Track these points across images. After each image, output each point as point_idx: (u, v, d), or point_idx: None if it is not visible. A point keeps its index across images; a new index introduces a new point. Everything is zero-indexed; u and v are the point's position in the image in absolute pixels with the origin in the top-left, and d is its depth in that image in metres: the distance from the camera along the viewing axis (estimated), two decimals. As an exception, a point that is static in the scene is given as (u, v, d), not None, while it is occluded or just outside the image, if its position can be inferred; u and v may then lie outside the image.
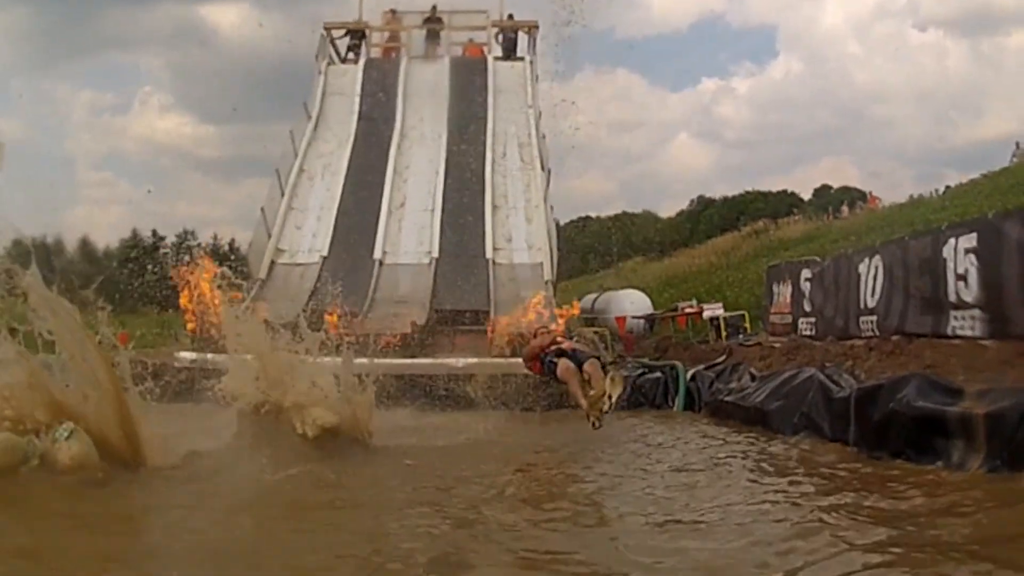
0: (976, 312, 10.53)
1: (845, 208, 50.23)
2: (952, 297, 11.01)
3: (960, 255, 10.86)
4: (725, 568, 5.20)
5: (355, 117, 25.51)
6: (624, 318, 26.31)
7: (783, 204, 65.85)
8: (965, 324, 10.75)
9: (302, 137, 24.53)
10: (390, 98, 26.15)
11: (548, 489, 8.22)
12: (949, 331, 11.05)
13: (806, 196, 71.84)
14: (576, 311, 22.29)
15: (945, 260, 11.19)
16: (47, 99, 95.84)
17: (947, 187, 47.16)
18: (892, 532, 5.72)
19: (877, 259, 13.35)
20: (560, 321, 17.88)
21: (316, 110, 25.58)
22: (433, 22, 29.18)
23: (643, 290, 32.14)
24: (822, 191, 71.37)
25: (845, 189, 67.41)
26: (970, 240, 10.73)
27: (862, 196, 57.19)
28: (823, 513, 6.38)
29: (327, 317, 17.70)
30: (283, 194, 22.68)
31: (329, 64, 27.62)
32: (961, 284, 10.84)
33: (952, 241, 11.09)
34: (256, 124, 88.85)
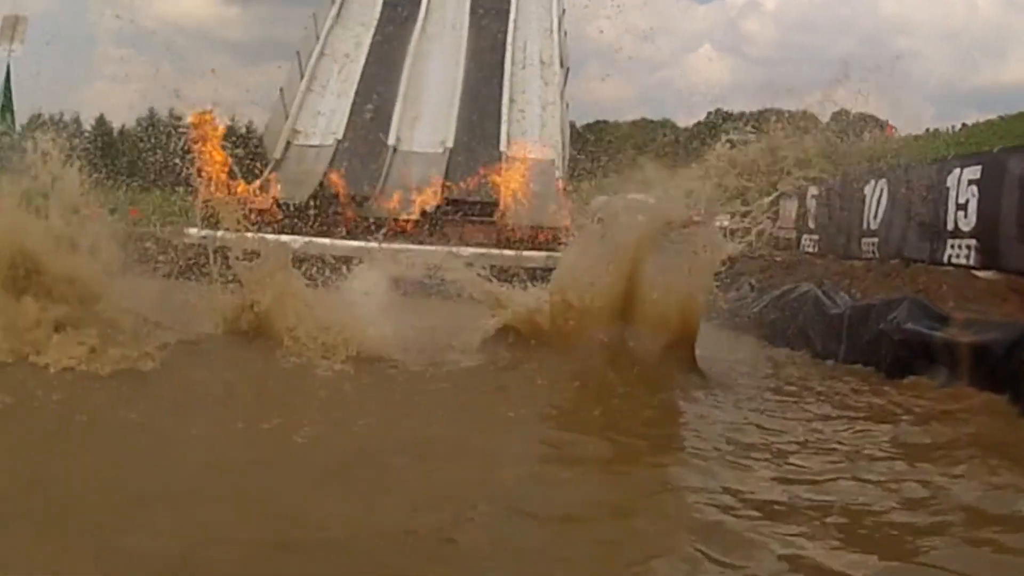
0: (971, 242, 10.74)
1: (867, 134, 49.73)
2: (951, 226, 11.21)
3: (963, 185, 11.02)
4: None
5: (380, 3, 25.35)
6: (632, 222, 26.42)
7: (800, 124, 65.19)
8: (961, 253, 10.97)
9: (325, 20, 24.44)
10: None
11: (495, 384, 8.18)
12: (945, 259, 11.27)
13: (824, 119, 71.02)
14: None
15: (948, 189, 11.35)
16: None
17: (963, 124, 46.81)
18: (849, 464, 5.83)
19: (883, 182, 13.51)
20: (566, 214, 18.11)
21: (340, -7, 25.38)
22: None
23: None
24: (840, 115, 70.46)
25: (863, 116, 66.58)
26: (974, 172, 10.88)
27: (879, 124, 56.63)
28: (791, 438, 6.51)
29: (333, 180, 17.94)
30: (302, 76, 22.74)
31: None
32: (960, 214, 11.03)
33: (957, 171, 11.24)
34: (281, 5, 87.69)
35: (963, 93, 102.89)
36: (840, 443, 6.28)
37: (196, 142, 16.18)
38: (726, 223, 24.31)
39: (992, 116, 45.17)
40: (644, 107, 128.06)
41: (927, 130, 48.22)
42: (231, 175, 11.83)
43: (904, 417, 7.23)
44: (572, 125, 25.48)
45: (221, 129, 15.21)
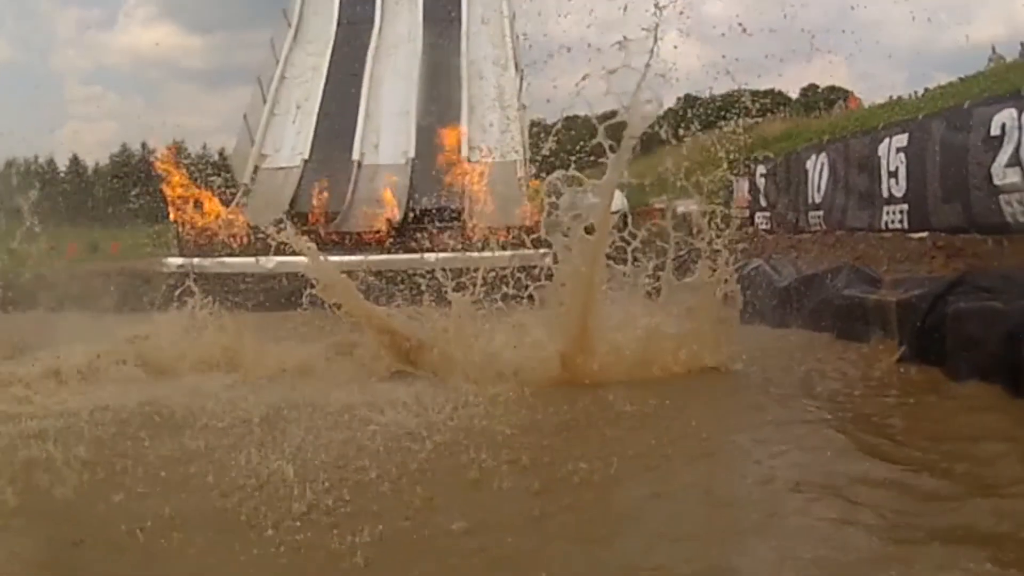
0: (903, 207, 11.26)
1: (839, 106, 50.04)
2: (885, 193, 11.74)
3: (892, 153, 11.55)
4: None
5: (334, 22, 25.76)
6: (599, 215, 26.78)
7: (771, 103, 65.33)
8: (895, 218, 11.50)
9: (283, 44, 24.83)
10: (369, 1, 26.34)
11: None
12: (882, 225, 11.80)
13: (794, 95, 71.21)
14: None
15: (880, 158, 11.88)
16: (32, 16, 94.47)
17: (926, 89, 47.01)
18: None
19: (823, 157, 14.04)
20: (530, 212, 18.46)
21: (296, 17, 25.77)
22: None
23: (622, 187, 32.61)
24: (809, 90, 70.69)
25: (832, 89, 66.79)
26: (901, 140, 11.42)
27: (848, 96, 56.90)
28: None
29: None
30: (265, 101, 23.10)
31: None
32: (892, 181, 11.56)
33: (887, 140, 11.77)
34: (240, 32, 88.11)
35: (933, 56, 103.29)
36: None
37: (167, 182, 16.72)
38: (693, 207, 24.75)
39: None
40: (612, 99, 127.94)
41: (890, 97, 48.60)
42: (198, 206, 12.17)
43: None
44: (540, 123, 25.74)
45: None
